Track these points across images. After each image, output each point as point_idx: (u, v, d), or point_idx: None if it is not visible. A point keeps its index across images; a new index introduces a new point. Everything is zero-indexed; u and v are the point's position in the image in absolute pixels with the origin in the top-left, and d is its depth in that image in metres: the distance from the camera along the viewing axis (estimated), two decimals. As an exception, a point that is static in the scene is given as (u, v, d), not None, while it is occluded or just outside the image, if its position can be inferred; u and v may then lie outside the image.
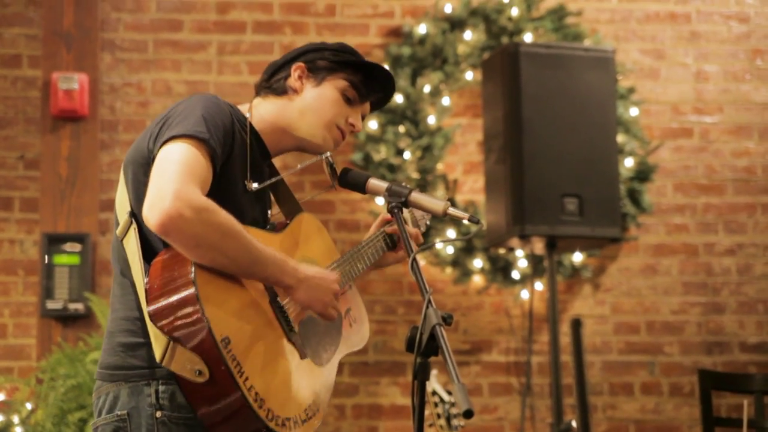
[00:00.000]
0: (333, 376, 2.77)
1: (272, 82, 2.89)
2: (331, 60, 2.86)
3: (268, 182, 2.81)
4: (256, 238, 2.57)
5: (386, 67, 6.11)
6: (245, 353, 2.47)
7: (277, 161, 2.96)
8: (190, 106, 2.66)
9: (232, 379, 2.42)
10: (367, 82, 2.89)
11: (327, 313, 2.71)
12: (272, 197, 2.95)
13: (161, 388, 2.55)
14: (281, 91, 2.86)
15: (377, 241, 3.05)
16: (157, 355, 2.46)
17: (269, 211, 2.89)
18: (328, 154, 2.89)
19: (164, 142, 2.57)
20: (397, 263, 3.14)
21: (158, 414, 2.54)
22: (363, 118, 2.93)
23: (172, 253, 2.54)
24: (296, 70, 2.86)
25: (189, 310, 2.44)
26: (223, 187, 2.63)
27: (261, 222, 2.79)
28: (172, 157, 2.52)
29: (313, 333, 2.75)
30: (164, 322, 2.46)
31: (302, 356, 2.67)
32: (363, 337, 2.94)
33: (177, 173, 2.47)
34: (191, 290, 2.45)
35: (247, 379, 2.44)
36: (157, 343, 2.46)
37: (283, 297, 2.67)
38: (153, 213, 2.44)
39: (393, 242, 3.08)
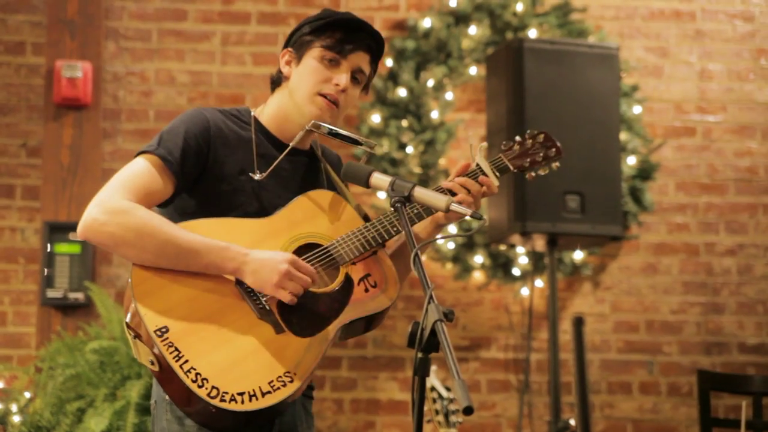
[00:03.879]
0: (325, 344, 2.77)
1: (275, 76, 3.05)
2: (308, 32, 2.95)
3: (269, 170, 2.90)
4: (227, 227, 2.79)
5: (389, 60, 6.09)
6: (187, 338, 2.65)
7: None
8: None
9: (168, 365, 2.62)
10: (345, 36, 2.93)
11: (278, 294, 2.74)
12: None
13: None
14: (280, 83, 3.02)
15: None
16: (132, 350, 2.77)
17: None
18: (312, 122, 2.92)
19: None
20: (457, 237, 3.14)
21: (166, 397, 2.77)
22: (361, 72, 2.96)
23: None
24: (283, 57, 3.01)
25: (131, 308, 2.70)
26: (215, 182, 2.85)
27: (279, 207, 2.89)
28: (118, 173, 2.82)
29: (302, 306, 2.77)
30: (125, 320, 2.74)
31: (278, 330, 2.73)
32: (382, 300, 2.91)
33: (110, 186, 2.77)
34: (129, 289, 2.72)
35: (186, 362, 2.62)
36: (129, 339, 2.74)
37: None
38: (79, 223, 2.76)
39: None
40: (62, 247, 5.71)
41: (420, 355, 2.40)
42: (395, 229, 2.93)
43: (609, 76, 5.54)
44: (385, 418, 5.93)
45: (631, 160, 6.10)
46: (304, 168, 3.00)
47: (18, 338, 5.80)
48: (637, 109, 6.17)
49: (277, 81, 3.02)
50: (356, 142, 2.99)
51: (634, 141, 6.12)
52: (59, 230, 5.71)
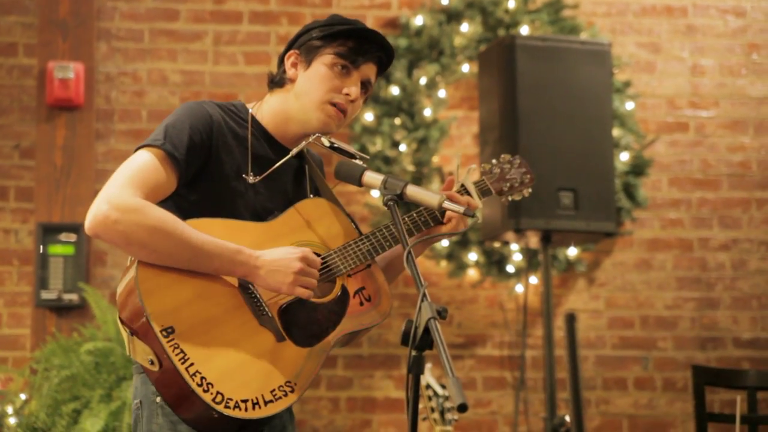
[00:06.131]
0: (323, 356, 2.79)
1: (276, 76, 2.99)
2: (319, 37, 2.92)
3: (266, 173, 2.88)
4: (230, 229, 2.74)
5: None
6: (193, 341, 2.62)
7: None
8: (165, 120, 2.83)
9: (174, 366, 2.58)
10: (359, 47, 2.92)
11: (296, 292, 2.74)
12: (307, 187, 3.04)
13: None
14: (282, 84, 2.96)
15: (417, 216, 2.99)
16: (126, 347, 2.69)
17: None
18: (317, 134, 2.91)
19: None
20: (450, 237, 3.12)
21: (157, 399, 2.72)
22: (370, 83, 2.96)
23: None
24: (289, 58, 2.96)
25: (133, 304, 2.64)
26: (213, 181, 2.80)
27: (272, 211, 2.87)
28: (123, 166, 2.74)
29: (302, 315, 2.78)
30: (121, 316, 2.68)
31: (279, 338, 2.73)
32: (374, 316, 2.90)
33: (117, 180, 2.69)
34: (133, 286, 2.64)
35: (192, 365, 2.60)
36: (124, 336, 2.69)
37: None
38: (87, 218, 2.67)
39: (441, 215, 2.98)
40: (56, 249, 5.70)
41: (414, 353, 2.40)
42: (389, 243, 2.93)
43: (601, 72, 5.55)
44: (381, 417, 5.93)
45: (624, 156, 6.11)
46: (293, 171, 2.98)
47: (13, 340, 5.80)
48: (629, 105, 6.18)
49: (279, 82, 2.96)
50: (353, 156, 2.94)
51: (627, 137, 6.13)
52: (53, 231, 5.70)
